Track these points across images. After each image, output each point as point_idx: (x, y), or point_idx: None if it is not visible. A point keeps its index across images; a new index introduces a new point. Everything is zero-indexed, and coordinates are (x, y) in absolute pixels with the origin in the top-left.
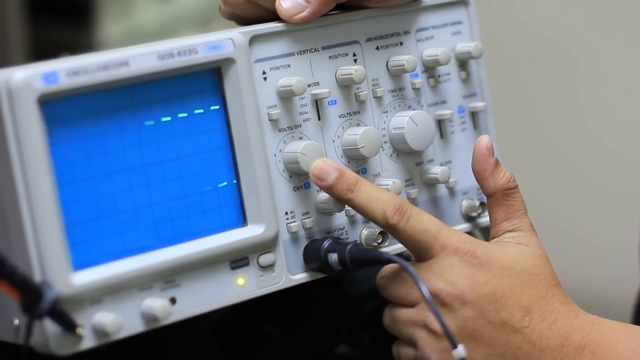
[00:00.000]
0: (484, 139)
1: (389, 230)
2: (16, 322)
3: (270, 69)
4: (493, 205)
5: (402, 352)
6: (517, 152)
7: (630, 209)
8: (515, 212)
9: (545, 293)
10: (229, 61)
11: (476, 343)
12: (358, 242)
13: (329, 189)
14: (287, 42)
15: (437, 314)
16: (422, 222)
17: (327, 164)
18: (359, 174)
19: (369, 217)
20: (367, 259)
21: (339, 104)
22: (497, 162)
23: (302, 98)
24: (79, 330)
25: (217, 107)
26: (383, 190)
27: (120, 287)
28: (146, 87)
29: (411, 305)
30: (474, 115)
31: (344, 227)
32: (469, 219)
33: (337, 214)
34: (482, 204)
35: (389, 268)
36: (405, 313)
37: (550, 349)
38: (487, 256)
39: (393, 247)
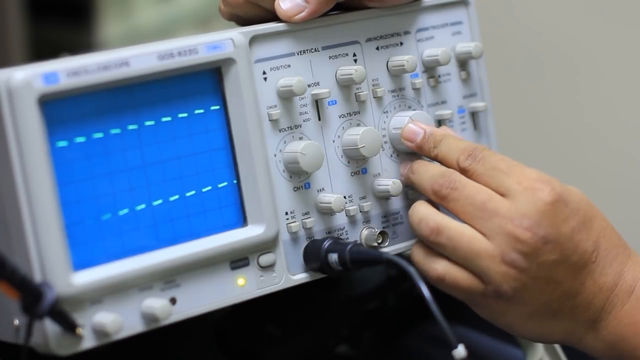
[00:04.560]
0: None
1: (464, 174)
2: (16, 322)
3: (271, 69)
4: None
5: (463, 281)
6: (518, 152)
7: (634, 210)
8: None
9: (607, 223)
10: (229, 61)
11: (549, 281)
12: (358, 242)
13: (418, 148)
14: (287, 42)
15: (438, 316)
16: (492, 161)
17: (414, 125)
18: (359, 174)
19: (447, 166)
20: (367, 259)
21: (339, 104)
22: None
23: (302, 98)
24: (79, 331)
25: (217, 107)
26: (462, 140)
27: (120, 287)
28: (146, 87)
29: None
30: (474, 115)
31: (344, 227)
32: None
33: (338, 214)
34: None
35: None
36: (480, 244)
37: (606, 287)
38: (563, 189)
39: (393, 247)
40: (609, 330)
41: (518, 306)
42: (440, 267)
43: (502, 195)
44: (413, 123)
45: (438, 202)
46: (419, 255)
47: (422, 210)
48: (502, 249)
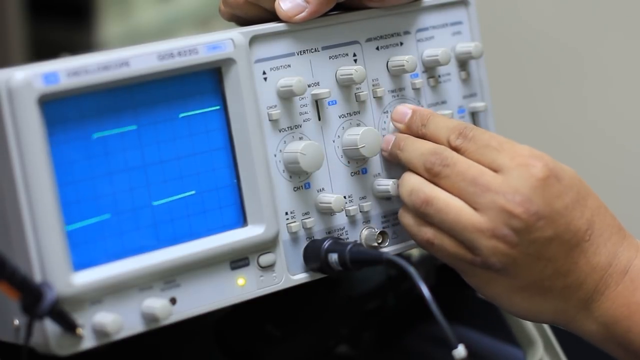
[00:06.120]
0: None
1: (457, 152)
2: (16, 322)
3: (271, 69)
4: None
5: (451, 248)
6: None
7: (637, 209)
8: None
9: (600, 203)
10: (229, 61)
11: (539, 257)
12: (358, 242)
13: (406, 128)
14: (287, 42)
15: (438, 316)
16: (483, 139)
17: (402, 106)
18: (359, 174)
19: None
20: (367, 259)
21: (339, 104)
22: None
23: (302, 98)
24: (79, 331)
25: (217, 107)
26: (451, 119)
27: (120, 287)
28: (146, 87)
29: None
30: (474, 115)
31: (344, 227)
32: None
33: (338, 214)
34: None
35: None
36: (469, 217)
37: (599, 267)
38: (556, 165)
39: (393, 247)
40: (601, 312)
41: (506, 278)
42: (429, 233)
43: (495, 171)
44: (402, 105)
45: (430, 179)
46: (408, 219)
47: (413, 181)
48: (495, 224)
